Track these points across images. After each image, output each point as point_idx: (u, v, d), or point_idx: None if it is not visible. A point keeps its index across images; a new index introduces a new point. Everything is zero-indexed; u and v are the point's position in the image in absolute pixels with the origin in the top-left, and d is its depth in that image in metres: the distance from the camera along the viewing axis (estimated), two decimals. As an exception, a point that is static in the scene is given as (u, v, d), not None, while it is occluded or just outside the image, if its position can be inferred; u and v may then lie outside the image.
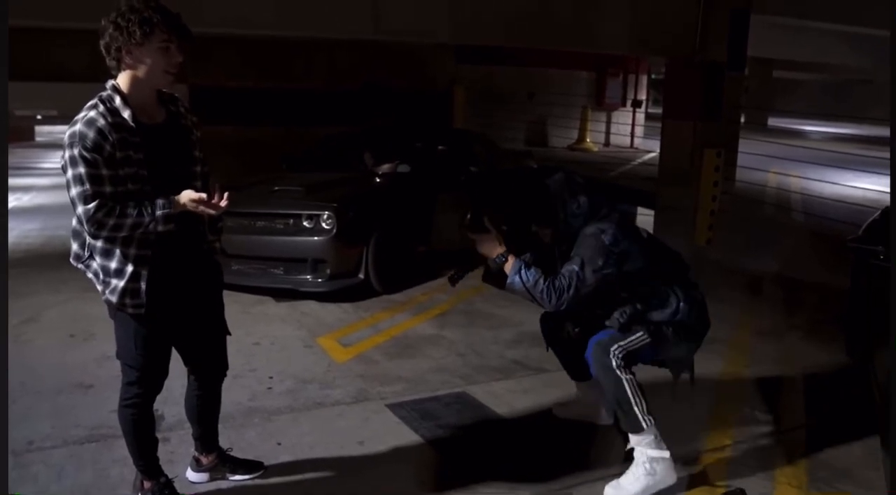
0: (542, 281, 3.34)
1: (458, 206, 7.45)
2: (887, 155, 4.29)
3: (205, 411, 3.41)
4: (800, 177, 12.00)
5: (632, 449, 3.44)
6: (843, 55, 22.93)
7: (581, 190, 3.48)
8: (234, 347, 5.12)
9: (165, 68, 2.82)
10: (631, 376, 3.35)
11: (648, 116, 21.45)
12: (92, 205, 2.70)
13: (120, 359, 3.03)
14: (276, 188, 6.77)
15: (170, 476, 3.28)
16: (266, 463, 3.61)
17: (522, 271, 3.38)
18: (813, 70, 30.17)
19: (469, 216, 3.61)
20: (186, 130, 3.03)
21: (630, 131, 19.46)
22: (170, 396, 4.26)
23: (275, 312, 6.06)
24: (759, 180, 11.01)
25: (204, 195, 2.85)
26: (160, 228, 2.80)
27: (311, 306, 6.19)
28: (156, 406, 4.16)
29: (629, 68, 19.84)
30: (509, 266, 3.44)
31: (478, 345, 5.34)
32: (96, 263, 2.86)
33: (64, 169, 2.74)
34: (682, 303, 3.47)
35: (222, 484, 3.45)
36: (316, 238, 6.19)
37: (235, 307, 6.09)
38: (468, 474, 3.58)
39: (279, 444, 3.83)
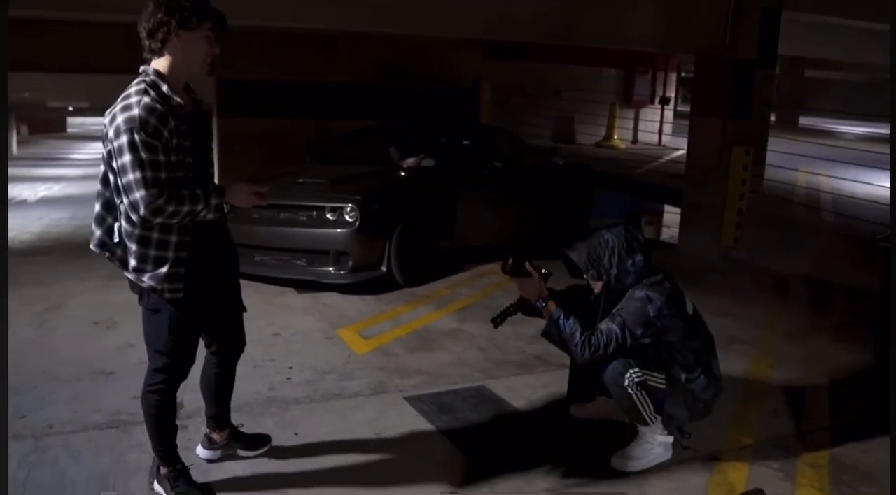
0: (578, 333, 3.45)
1: (482, 201, 7.44)
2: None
3: (222, 388, 3.45)
4: (831, 176, 11.81)
5: (637, 431, 3.65)
6: (875, 54, 22.58)
7: (638, 248, 3.57)
8: (255, 337, 5.16)
9: (205, 58, 2.89)
10: (640, 391, 3.48)
11: (677, 114, 21.24)
12: (154, 190, 2.71)
13: (149, 346, 3.05)
14: (301, 180, 6.78)
15: (186, 463, 3.29)
16: (282, 453, 3.61)
17: (561, 320, 3.48)
18: (845, 69, 29.73)
19: (511, 259, 3.60)
20: (208, 117, 3.08)
21: (658, 128, 19.27)
22: (189, 384, 4.30)
23: (297, 303, 6.07)
24: (789, 179, 10.87)
25: (264, 188, 2.93)
26: (210, 216, 2.86)
27: (333, 298, 6.20)
28: (177, 394, 4.22)
29: (658, 65, 19.65)
30: (549, 312, 3.53)
31: (498, 340, 5.31)
32: (133, 250, 2.86)
33: (117, 154, 2.74)
34: (702, 376, 3.59)
35: (236, 466, 3.46)
36: (339, 230, 6.19)
37: (257, 298, 6.13)
38: (484, 467, 3.57)
39: (296, 434, 3.83)
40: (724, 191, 8.03)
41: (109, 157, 2.82)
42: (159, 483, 3.23)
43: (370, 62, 13.80)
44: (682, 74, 24.13)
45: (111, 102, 2.84)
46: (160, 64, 2.86)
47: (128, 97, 2.79)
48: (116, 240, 2.92)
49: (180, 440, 3.70)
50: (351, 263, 6.21)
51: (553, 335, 3.50)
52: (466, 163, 7.64)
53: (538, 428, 4.02)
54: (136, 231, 2.83)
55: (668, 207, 10.30)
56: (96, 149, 3.13)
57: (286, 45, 12.83)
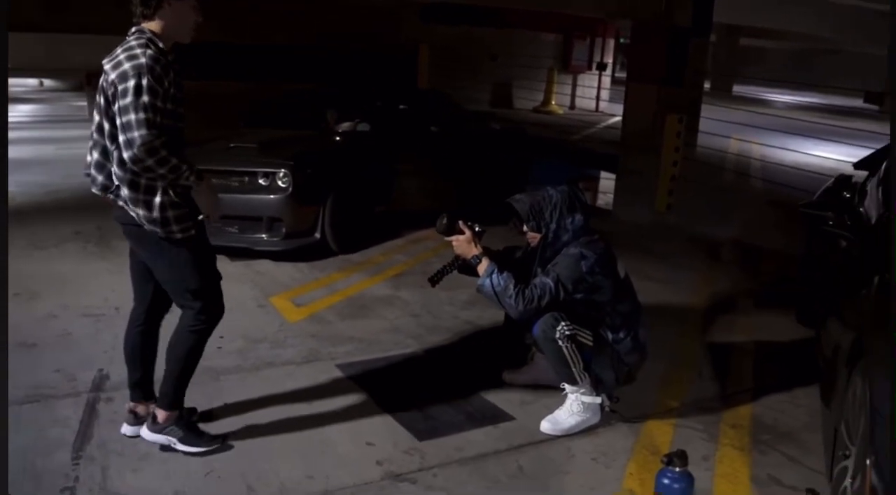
0: (512, 287, 3.52)
1: (418, 166, 7.42)
2: (849, 124, 4.33)
3: (148, 351, 3.46)
4: (762, 144, 12.07)
5: (566, 394, 3.73)
6: (810, 24, 23.07)
7: (579, 208, 3.66)
8: (183, 306, 5.09)
9: (192, 26, 3.17)
10: (570, 344, 3.57)
11: (614, 80, 21.44)
12: (153, 131, 2.92)
13: (180, 291, 3.24)
14: (232, 145, 6.64)
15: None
16: (211, 423, 3.58)
17: (494, 275, 3.55)
18: (780, 38, 30.34)
19: (444, 218, 3.64)
20: (181, 77, 3.17)
21: (595, 95, 19.43)
22: (116, 356, 4.22)
23: (229, 271, 5.89)
24: (722, 147, 11.06)
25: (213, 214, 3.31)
26: (185, 182, 3.09)
27: (265, 265, 6.13)
28: (101, 365, 4.14)
29: (596, 31, 19.76)
30: (483, 268, 3.60)
31: (432, 306, 5.33)
32: (126, 195, 3.04)
33: (121, 96, 2.92)
34: (628, 339, 3.69)
35: (161, 437, 3.40)
36: (271, 196, 6.10)
37: (188, 265, 6.02)
38: (416, 434, 3.59)
39: (226, 404, 3.79)
40: (657, 157, 8.17)
41: (107, 104, 3.03)
42: (159, 431, 3.33)
43: (310, 25, 13.56)
44: (621, 41, 24.29)
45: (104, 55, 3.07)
46: (153, 26, 3.11)
47: (131, 48, 3.02)
48: (116, 184, 3.09)
49: (105, 412, 3.64)
50: (284, 230, 6.13)
51: (487, 289, 3.56)
52: (403, 128, 7.59)
53: (470, 394, 4.05)
54: (127, 176, 3.03)
55: (604, 174, 10.41)
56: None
57: (227, 6, 12.51)
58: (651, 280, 6.02)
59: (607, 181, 9.75)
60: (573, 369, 3.60)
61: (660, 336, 4.80)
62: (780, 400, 4.14)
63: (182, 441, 3.33)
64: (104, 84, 3.04)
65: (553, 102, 18.37)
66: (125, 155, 2.94)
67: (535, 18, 17.55)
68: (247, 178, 6.19)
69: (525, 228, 3.72)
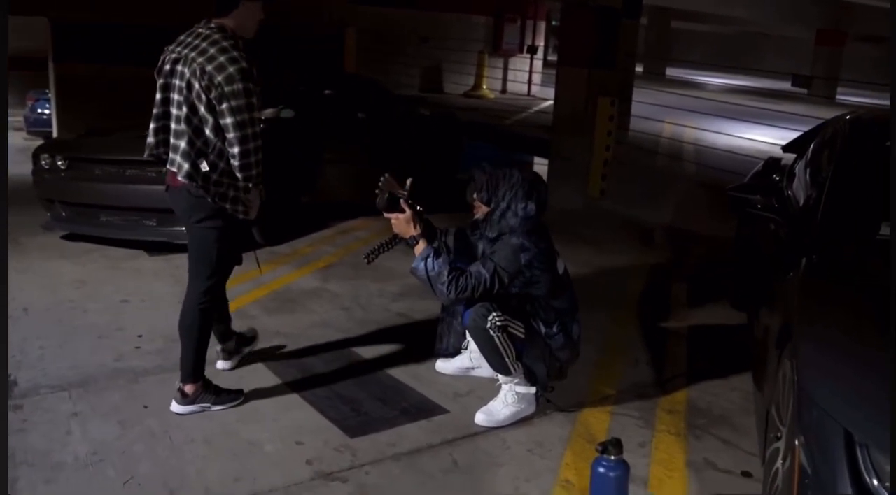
0: (446, 274, 3.52)
1: (345, 154, 7.36)
2: (779, 107, 4.46)
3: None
4: (695, 127, 12.34)
5: (500, 385, 3.76)
6: (741, 7, 23.65)
7: (535, 199, 3.64)
8: (101, 305, 4.98)
9: (257, 24, 3.58)
10: (501, 334, 3.58)
11: (546, 64, 21.62)
12: (258, 130, 3.48)
13: (200, 267, 3.69)
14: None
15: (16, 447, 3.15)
16: (130, 427, 3.50)
17: (429, 260, 3.55)
18: (712, 21, 31.02)
19: (386, 194, 3.62)
20: None
21: (527, 78, 19.55)
22: (24, 360, 4.10)
23: (148, 267, 5.86)
24: (654, 130, 11.27)
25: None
26: (251, 182, 3.60)
27: (186, 259, 5.97)
28: (9, 370, 4.01)
29: (527, 13, 19.88)
30: (419, 250, 3.61)
31: (363, 299, 5.31)
32: (213, 179, 3.49)
33: (229, 96, 3.36)
34: (561, 335, 3.72)
35: (80, 448, 3.33)
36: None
37: (104, 262, 5.89)
38: (347, 430, 3.58)
39: (146, 407, 3.72)
40: (590, 142, 8.26)
41: (204, 96, 3.38)
42: (192, 402, 3.67)
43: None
44: (553, 23, 24.52)
45: None
46: (229, 23, 3.50)
47: (217, 42, 3.41)
48: (206, 168, 3.46)
49: (14, 420, 3.54)
50: (206, 222, 6.02)
51: (420, 272, 3.57)
52: (329, 115, 7.52)
53: (403, 387, 4.05)
54: (221, 165, 3.49)
55: (536, 159, 10.50)
56: None
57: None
58: (584, 266, 6.11)
59: (540, 166, 9.83)
60: (506, 359, 3.62)
61: (594, 323, 4.88)
62: (714, 384, 4.24)
63: (216, 402, 3.71)
64: (190, 73, 3.40)
65: (484, 86, 18.42)
66: (236, 149, 3.44)
67: (465, 0, 17.57)
68: (165, 168, 6.06)
69: (475, 197, 3.73)
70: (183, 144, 3.48)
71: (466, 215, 3.94)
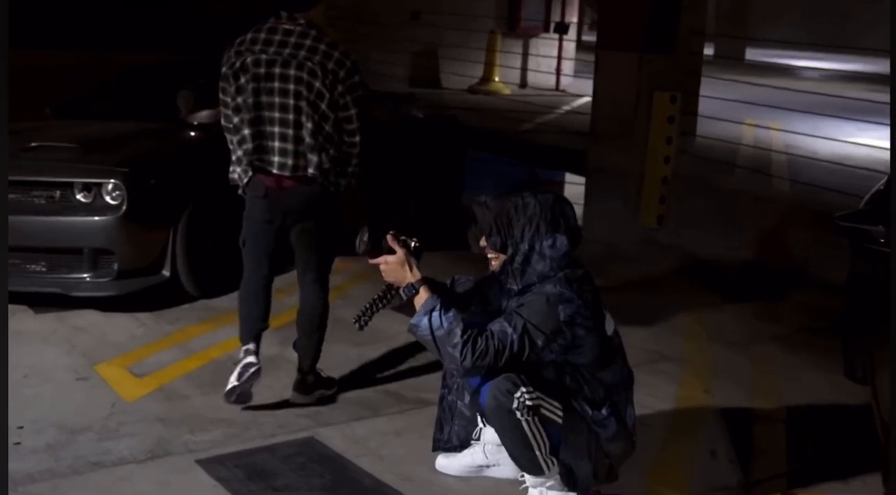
0: (459, 331, 3.47)
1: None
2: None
3: None
4: (787, 130, 12.36)
5: (526, 489, 3.75)
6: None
7: (564, 228, 3.63)
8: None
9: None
10: (532, 418, 3.54)
11: (582, 46, 21.77)
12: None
13: (321, 262, 4.96)
14: (35, 144, 6.52)
15: None
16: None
17: (435, 313, 3.51)
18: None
19: (366, 233, 3.64)
20: None
21: (555, 67, 19.68)
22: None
23: (32, 328, 5.86)
24: (731, 135, 11.27)
25: None
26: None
27: (89, 318, 6.04)
28: None
29: (555, -22, 20.08)
30: (421, 301, 3.57)
31: (335, 369, 5.28)
32: (327, 168, 4.71)
33: (348, 90, 4.65)
34: (612, 419, 3.68)
35: None
36: (96, 218, 6.02)
37: (-28, 322, 5.84)
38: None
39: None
40: (642, 152, 8.29)
41: (328, 93, 4.61)
42: (313, 390, 4.91)
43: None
44: (588, -8, 24.69)
45: None
46: (314, 18, 4.72)
47: (320, 40, 4.66)
48: (328, 163, 4.68)
49: None
50: (116, 266, 6.05)
51: (423, 331, 3.53)
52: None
53: (389, 492, 4.02)
54: (332, 152, 4.71)
55: (569, 176, 10.53)
56: None
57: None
58: (638, 320, 6.10)
59: (574, 186, 9.86)
60: (536, 453, 3.59)
61: (655, 398, 4.85)
62: (828, 488, 4.20)
63: (328, 387, 5.00)
64: (307, 73, 4.56)
65: (496, 78, 18.54)
66: (356, 139, 4.77)
67: (469, -38, 17.73)
68: (58, 193, 6.11)
69: (484, 244, 3.73)
70: (308, 140, 4.62)
71: (470, 254, 3.93)
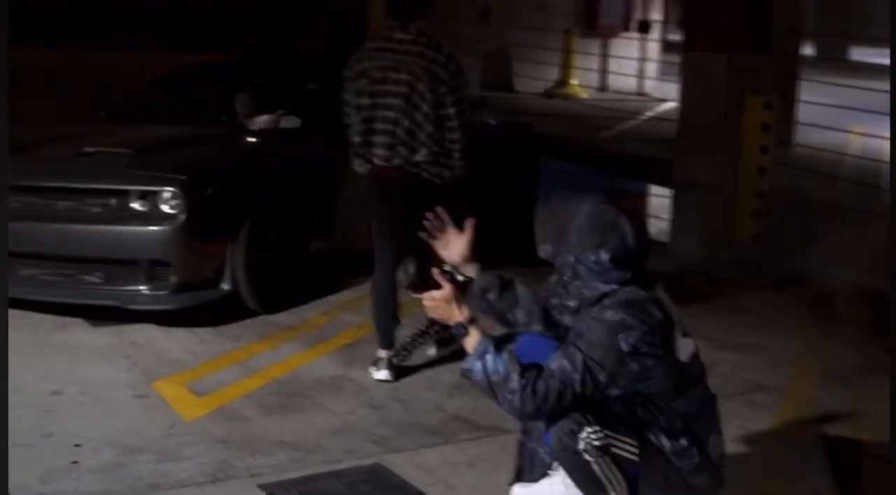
0: (516, 376, 3.40)
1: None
2: None
3: None
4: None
5: None
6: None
7: (617, 239, 3.51)
8: (22, 398, 5.07)
9: None
10: (602, 458, 3.47)
11: (667, 47, 21.64)
12: None
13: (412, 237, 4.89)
14: (90, 149, 6.65)
15: None
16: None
17: (489, 357, 3.44)
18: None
19: (411, 265, 3.59)
20: None
21: (638, 69, 19.60)
22: None
23: (88, 342, 5.97)
24: (835, 145, 11.14)
25: None
26: None
27: (146, 333, 6.14)
28: None
29: (636, -26, 20.01)
30: (472, 343, 3.51)
31: (402, 393, 5.33)
32: (432, 160, 5.67)
33: (455, 89, 5.63)
34: (694, 450, 3.60)
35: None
36: (153, 228, 6.12)
37: (26, 334, 6.01)
38: None
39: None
40: (735, 163, 8.25)
41: (445, 90, 5.57)
42: (389, 366, 5.46)
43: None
44: (673, -12, 24.57)
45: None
46: (424, 27, 5.62)
47: (428, 45, 5.59)
48: (419, 158, 5.60)
49: None
50: (173, 278, 6.14)
51: (477, 375, 3.47)
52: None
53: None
54: (435, 148, 5.63)
55: (654, 188, 10.50)
56: None
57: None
58: (730, 348, 6.10)
59: (659, 199, 9.84)
60: (612, 494, 3.55)
61: (750, 434, 4.84)
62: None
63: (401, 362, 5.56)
64: (429, 76, 5.52)
65: (573, 81, 18.50)
66: (455, 135, 5.69)
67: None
68: (114, 201, 6.22)
69: (541, 253, 3.68)
70: (422, 136, 5.57)
71: (539, 270, 3.92)
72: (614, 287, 3.52)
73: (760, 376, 5.84)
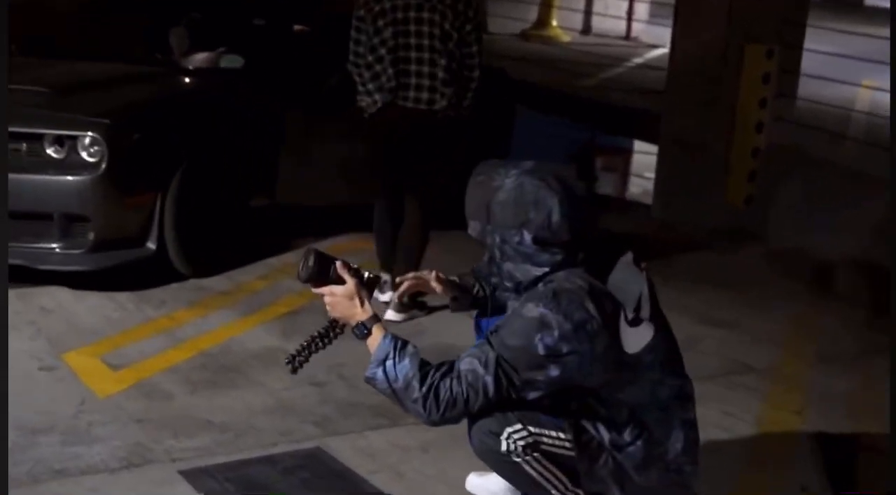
0: (417, 384, 3.37)
1: (323, 131, 7.39)
2: None
3: None
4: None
5: None
6: None
7: (537, 221, 3.41)
8: None
9: None
10: (534, 457, 3.48)
11: (659, -13, 21.66)
12: None
13: (440, 169, 6.36)
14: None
15: None
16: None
17: (389, 362, 3.42)
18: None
19: (312, 256, 3.55)
20: None
21: (626, 11, 19.61)
22: None
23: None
24: (842, 100, 11.17)
25: None
26: None
27: (57, 297, 6.11)
28: None
29: None
30: (374, 344, 3.49)
31: (348, 369, 5.30)
32: (450, 92, 6.21)
33: (471, 20, 6.22)
34: (639, 444, 3.52)
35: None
36: (69, 178, 6.08)
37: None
38: None
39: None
40: (730, 118, 8.25)
41: (458, 24, 6.12)
42: (407, 309, 6.15)
43: None
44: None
45: None
46: None
47: None
48: (446, 99, 6.20)
49: None
50: (91, 235, 6.10)
51: (380, 383, 3.45)
52: (299, 67, 7.56)
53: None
54: (456, 85, 6.22)
55: (639, 144, 10.51)
56: None
57: None
58: (716, 323, 6.12)
59: (645, 156, 9.85)
60: (554, 492, 3.56)
61: (728, 420, 4.86)
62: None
63: (422, 309, 6.25)
64: (453, 13, 6.07)
65: (554, 22, 18.49)
66: (475, 73, 6.30)
67: None
68: (24, 146, 6.18)
69: (470, 230, 3.60)
70: (440, 75, 6.11)
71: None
72: (546, 270, 3.45)
73: (747, 356, 5.84)
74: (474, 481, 4.23)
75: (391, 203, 6.43)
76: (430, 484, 4.30)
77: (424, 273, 4.05)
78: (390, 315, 5.99)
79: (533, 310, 3.35)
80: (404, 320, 6.08)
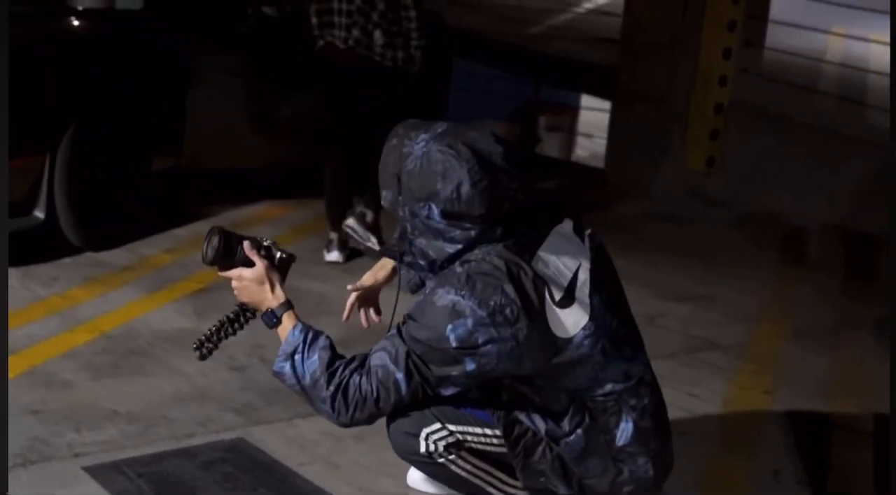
0: (323, 382, 3.40)
1: (236, 82, 7.38)
2: None
3: None
4: (888, 43, 12.33)
5: None
6: None
7: (442, 192, 3.34)
8: None
9: None
10: (461, 456, 3.57)
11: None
12: None
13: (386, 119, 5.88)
14: None
15: None
16: None
17: (298, 356, 3.47)
18: None
19: (217, 236, 3.55)
20: None
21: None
22: None
23: None
24: (813, 50, 11.25)
25: None
26: None
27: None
28: None
29: None
30: (284, 332, 3.54)
31: (271, 351, 5.30)
32: (391, 45, 6.98)
33: None
34: (578, 434, 3.53)
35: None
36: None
37: None
38: None
39: None
40: (691, 70, 8.33)
41: None
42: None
43: None
44: None
45: None
46: None
47: None
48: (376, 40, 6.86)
49: None
50: (-30, 203, 6.06)
51: (290, 381, 3.50)
52: (208, 7, 7.53)
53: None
54: (393, 29, 6.96)
55: (588, 100, 10.57)
56: None
57: None
58: (674, 299, 6.23)
59: (596, 113, 9.90)
60: (490, 490, 3.64)
61: (692, 401, 4.98)
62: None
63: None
64: None
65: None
66: (411, 14, 6.96)
67: None
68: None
69: (382, 201, 3.57)
70: (375, 17, 6.69)
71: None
72: (459, 246, 3.42)
73: (714, 332, 5.93)
74: (415, 476, 4.23)
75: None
76: (367, 476, 4.33)
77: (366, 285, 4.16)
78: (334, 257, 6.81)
79: (444, 296, 3.34)
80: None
